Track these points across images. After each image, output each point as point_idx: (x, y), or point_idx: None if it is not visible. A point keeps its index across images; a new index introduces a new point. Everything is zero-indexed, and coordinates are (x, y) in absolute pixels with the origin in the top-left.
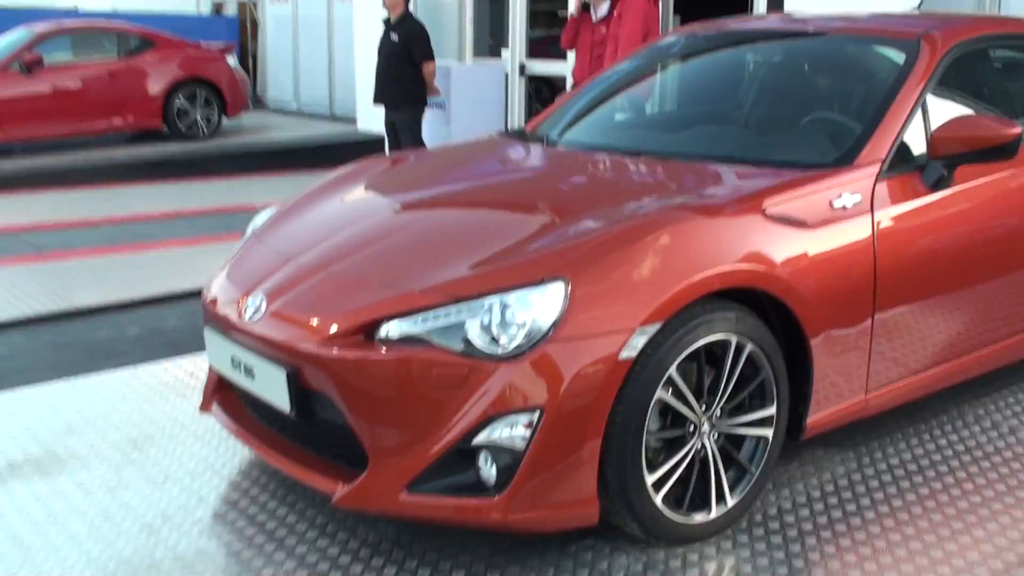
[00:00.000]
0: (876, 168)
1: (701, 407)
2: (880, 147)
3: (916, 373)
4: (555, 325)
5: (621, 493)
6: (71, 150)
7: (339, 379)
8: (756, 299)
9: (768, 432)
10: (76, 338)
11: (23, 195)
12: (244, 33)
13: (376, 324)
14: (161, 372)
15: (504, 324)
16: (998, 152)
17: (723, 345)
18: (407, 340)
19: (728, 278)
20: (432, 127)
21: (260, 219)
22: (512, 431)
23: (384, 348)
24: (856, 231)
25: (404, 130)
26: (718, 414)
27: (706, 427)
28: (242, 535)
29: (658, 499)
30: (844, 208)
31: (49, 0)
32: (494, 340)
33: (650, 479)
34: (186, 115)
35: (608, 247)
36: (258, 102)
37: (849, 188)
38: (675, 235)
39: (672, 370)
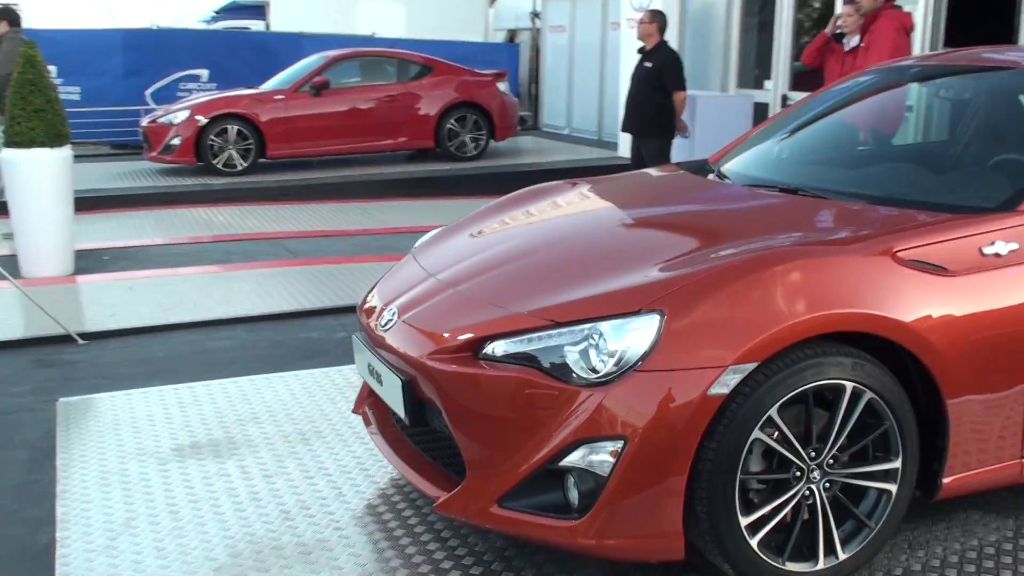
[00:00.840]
0: None
1: (809, 453)
2: None
3: None
4: (645, 356)
5: (711, 531)
6: (350, 166)
7: (443, 391)
8: (888, 347)
9: (892, 487)
10: (291, 336)
11: (298, 205)
12: (535, 60)
13: (483, 342)
14: (349, 373)
15: (598, 351)
16: None
17: (837, 390)
18: (509, 359)
19: (839, 322)
20: (678, 158)
21: (425, 238)
22: (598, 456)
23: (486, 365)
24: (1009, 282)
25: (651, 160)
26: (831, 462)
27: (816, 474)
28: (364, 530)
29: (754, 541)
30: (997, 255)
31: (349, 27)
32: (587, 367)
33: (745, 520)
34: (456, 136)
35: (709, 283)
36: (535, 126)
37: (1005, 235)
38: (779, 274)
39: (773, 411)
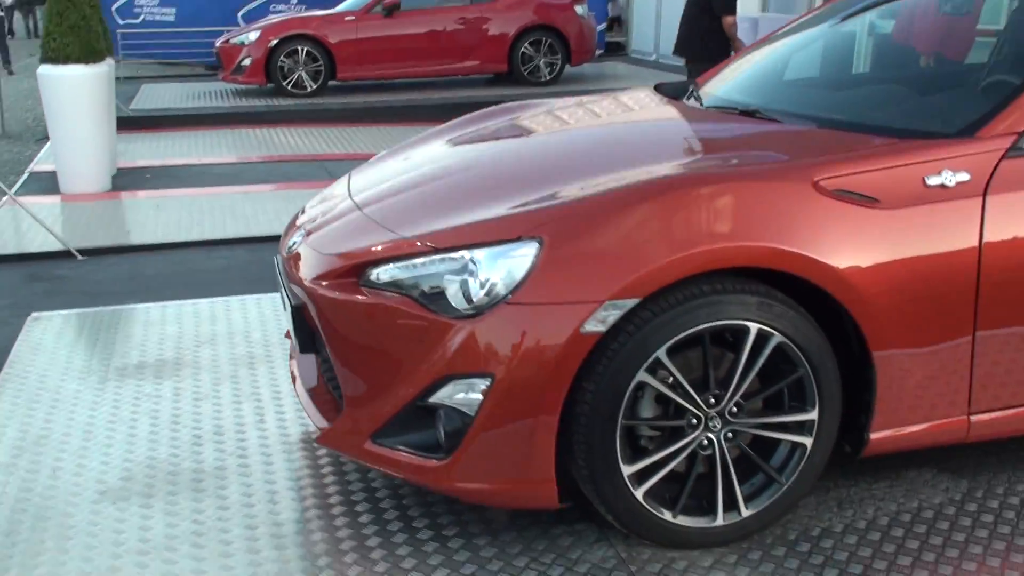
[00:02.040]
0: (1008, 142)
1: (708, 399)
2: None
3: None
4: (517, 287)
5: (590, 479)
6: (420, 89)
7: (324, 317)
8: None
9: (806, 440)
10: None
11: (362, 128)
12: None
13: (367, 267)
14: None
15: (473, 281)
16: None
17: (740, 332)
18: (389, 286)
19: (738, 256)
20: None
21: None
22: (466, 394)
23: (366, 292)
24: (954, 218)
25: None
26: (734, 410)
27: (716, 423)
28: (266, 460)
29: (639, 492)
30: (943, 187)
31: None
32: (462, 297)
33: (628, 469)
34: (530, 60)
35: (595, 210)
36: (625, 52)
37: (954, 163)
38: (673, 202)
39: (661, 353)
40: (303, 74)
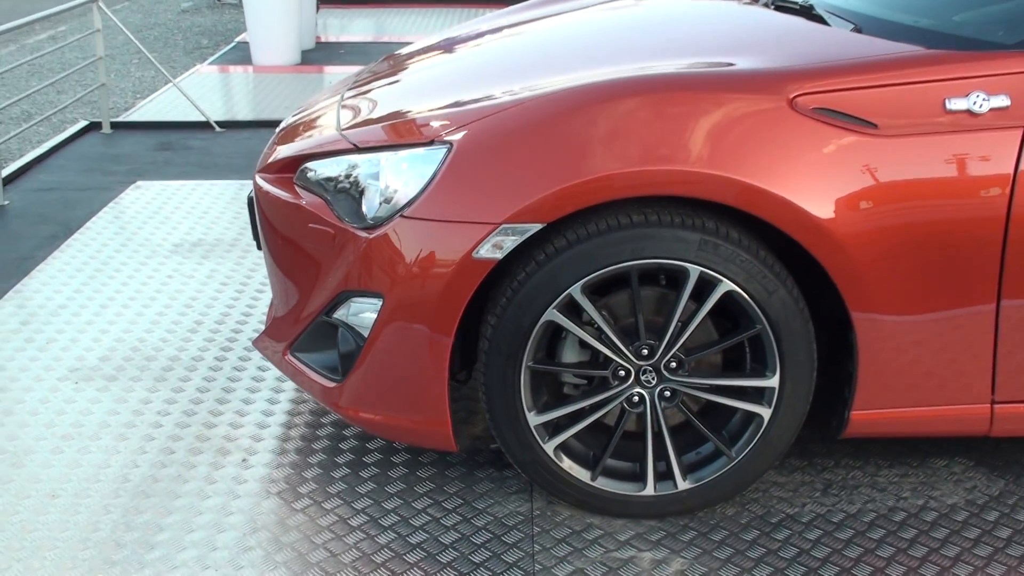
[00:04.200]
0: None
1: (639, 350)
2: None
3: None
4: (414, 200)
5: (494, 426)
6: None
7: (262, 212)
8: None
9: (763, 410)
10: None
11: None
12: None
13: (301, 162)
14: None
15: (374, 189)
16: None
17: (678, 274)
18: (317, 186)
19: (667, 182)
20: None
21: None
22: (361, 313)
23: (295, 190)
24: (980, 154)
25: None
26: (672, 365)
27: (650, 377)
28: (245, 353)
29: (549, 446)
30: (969, 113)
31: None
32: (368, 205)
33: (537, 419)
34: None
35: (514, 116)
36: None
37: (991, 84)
38: (597, 113)
39: (575, 290)
40: None
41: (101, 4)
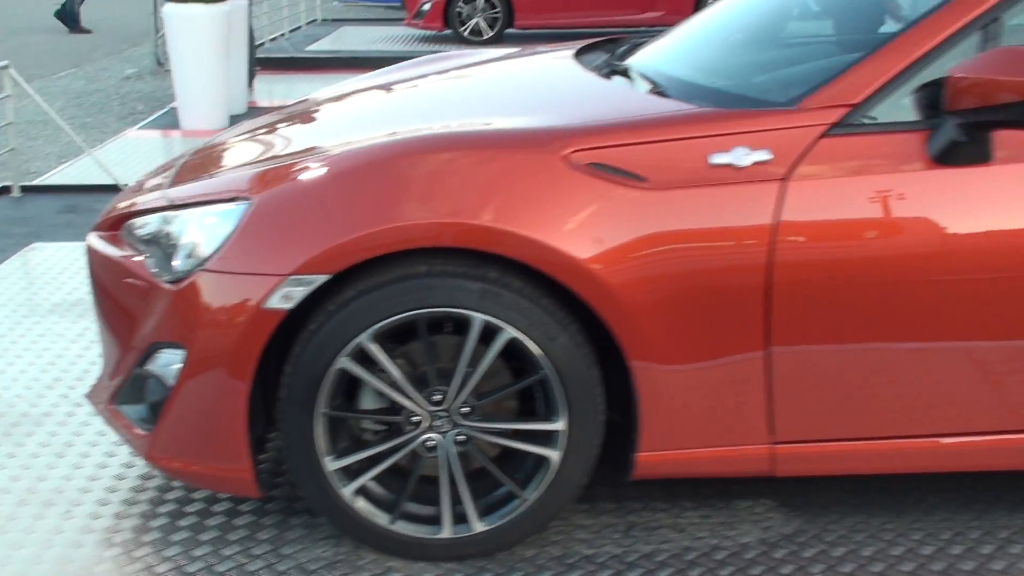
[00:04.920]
0: (832, 116)
1: (433, 396)
2: (858, 85)
3: (885, 437)
4: (215, 253)
5: (295, 473)
6: None
7: (91, 270)
8: None
9: (552, 453)
10: None
11: None
12: None
13: (128, 219)
14: None
15: (182, 244)
16: None
17: (464, 323)
18: (138, 242)
19: (442, 235)
20: None
21: None
22: (167, 365)
23: (117, 245)
24: (742, 205)
25: None
26: (466, 411)
27: (443, 423)
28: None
29: (347, 491)
30: (731, 167)
31: None
32: (178, 259)
33: (335, 464)
34: None
35: (309, 172)
36: None
37: (754, 139)
38: (376, 170)
39: (364, 339)
40: (480, 21)
41: (13, 72)
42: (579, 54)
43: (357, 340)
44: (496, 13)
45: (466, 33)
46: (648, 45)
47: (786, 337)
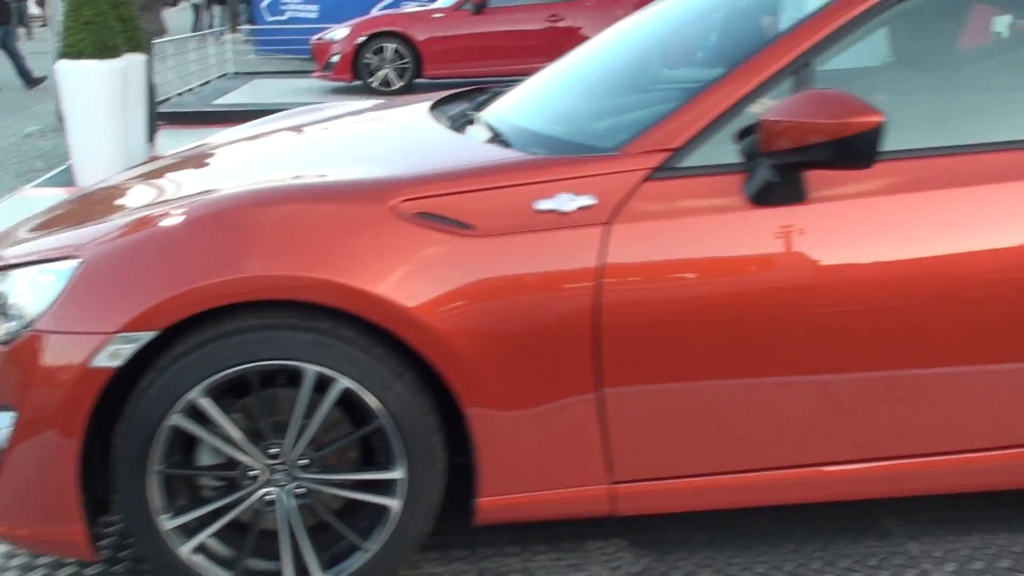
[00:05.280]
0: (654, 160)
1: (269, 449)
2: (678, 130)
3: (725, 473)
4: (44, 313)
5: (131, 532)
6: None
7: None
8: None
9: (392, 502)
10: None
11: None
12: None
13: None
14: None
15: (12, 302)
16: (844, 152)
17: (298, 375)
18: None
19: (258, 287)
20: None
21: None
22: (3, 429)
23: None
24: (567, 251)
25: None
26: (304, 463)
27: (281, 476)
28: None
29: (186, 548)
30: (556, 213)
31: None
32: (7, 319)
33: (172, 522)
34: None
35: (137, 229)
36: None
37: (578, 185)
38: (200, 225)
39: (195, 394)
40: (389, 72)
41: None
42: (437, 105)
43: (188, 396)
44: (405, 64)
45: (375, 84)
46: (505, 95)
47: (617, 378)
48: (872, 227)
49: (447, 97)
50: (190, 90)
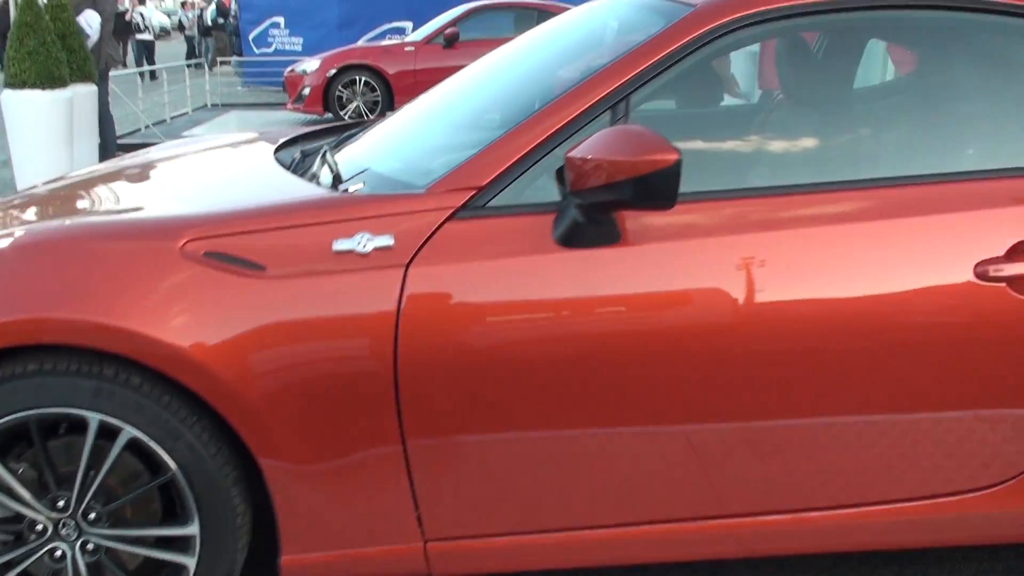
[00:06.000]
0: (458, 199)
1: (57, 502)
2: (485, 168)
3: (551, 530)
4: None
5: None
6: None
7: None
8: None
9: (187, 560)
10: None
11: None
12: None
13: None
14: None
15: None
16: (643, 191)
17: (80, 424)
18: None
19: (27, 331)
20: None
21: None
22: None
23: None
24: (365, 293)
25: None
26: (93, 517)
27: (70, 531)
28: None
29: None
30: (354, 254)
31: None
32: None
33: None
34: None
35: None
36: None
37: (376, 225)
38: None
39: None
40: (360, 104)
41: None
42: (290, 143)
43: None
44: (376, 96)
45: (347, 116)
46: (367, 132)
47: (418, 430)
48: (685, 271)
49: (309, 133)
50: (163, 121)
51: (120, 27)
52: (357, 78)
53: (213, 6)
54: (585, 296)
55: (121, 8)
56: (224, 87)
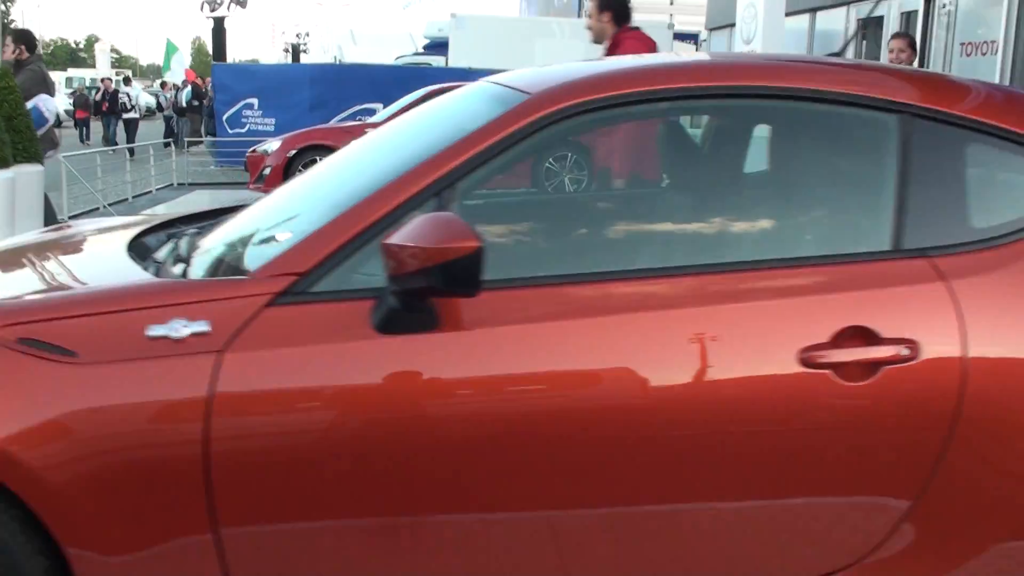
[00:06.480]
0: (278, 285)
1: None
2: (308, 254)
3: None
4: None
5: None
6: None
7: None
8: None
9: None
10: None
11: None
12: None
13: None
14: None
15: None
16: (448, 278)
17: None
18: None
19: None
20: None
21: None
22: None
23: None
24: (177, 379)
25: None
26: None
27: None
28: None
29: None
30: (168, 340)
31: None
32: None
33: None
34: (556, 176)
35: None
36: None
37: (192, 311)
38: None
39: None
40: None
41: None
42: (161, 227)
43: None
44: None
45: None
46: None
47: (233, 517)
48: (501, 357)
49: (187, 216)
50: (125, 200)
51: (112, 106)
52: (317, 158)
53: (189, 88)
54: (399, 382)
55: (114, 87)
56: (195, 167)
